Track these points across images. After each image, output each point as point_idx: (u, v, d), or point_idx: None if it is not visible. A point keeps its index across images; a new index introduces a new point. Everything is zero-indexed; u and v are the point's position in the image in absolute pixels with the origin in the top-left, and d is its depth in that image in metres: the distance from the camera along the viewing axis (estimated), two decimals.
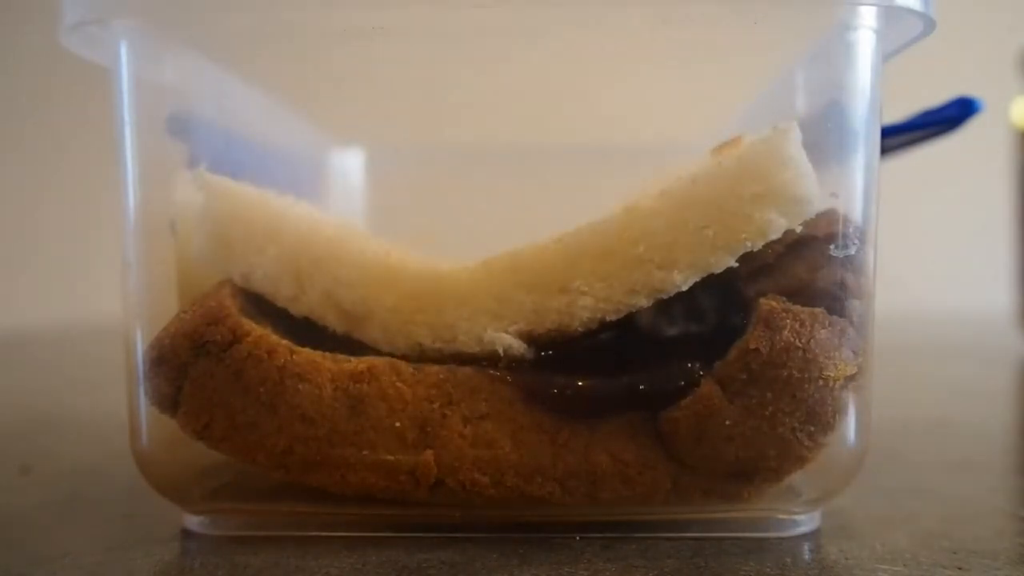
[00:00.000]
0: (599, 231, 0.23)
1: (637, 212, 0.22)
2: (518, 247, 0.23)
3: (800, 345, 0.22)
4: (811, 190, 0.22)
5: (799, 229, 0.22)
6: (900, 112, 0.27)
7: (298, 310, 0.24)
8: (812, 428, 0.22)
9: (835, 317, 0.23)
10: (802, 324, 0.22)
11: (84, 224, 0.89)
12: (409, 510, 0.24)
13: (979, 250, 0.91)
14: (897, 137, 0.28)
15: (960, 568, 0.22)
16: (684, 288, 0.22)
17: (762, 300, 0.22)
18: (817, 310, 0.22)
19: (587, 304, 0.23)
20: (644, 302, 0.22)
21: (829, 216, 0.23)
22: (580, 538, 0.23)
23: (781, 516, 0.24)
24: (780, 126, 0.22)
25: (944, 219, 1.00)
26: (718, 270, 0.22)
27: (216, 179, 0.25)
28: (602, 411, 0.23)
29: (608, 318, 0.23)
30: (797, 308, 0.22)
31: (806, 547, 0.23)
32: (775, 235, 0.22)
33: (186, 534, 0.25)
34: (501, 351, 0.23)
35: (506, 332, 0.23)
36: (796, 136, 0.22)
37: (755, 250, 0.22)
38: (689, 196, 0.22)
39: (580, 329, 0.23)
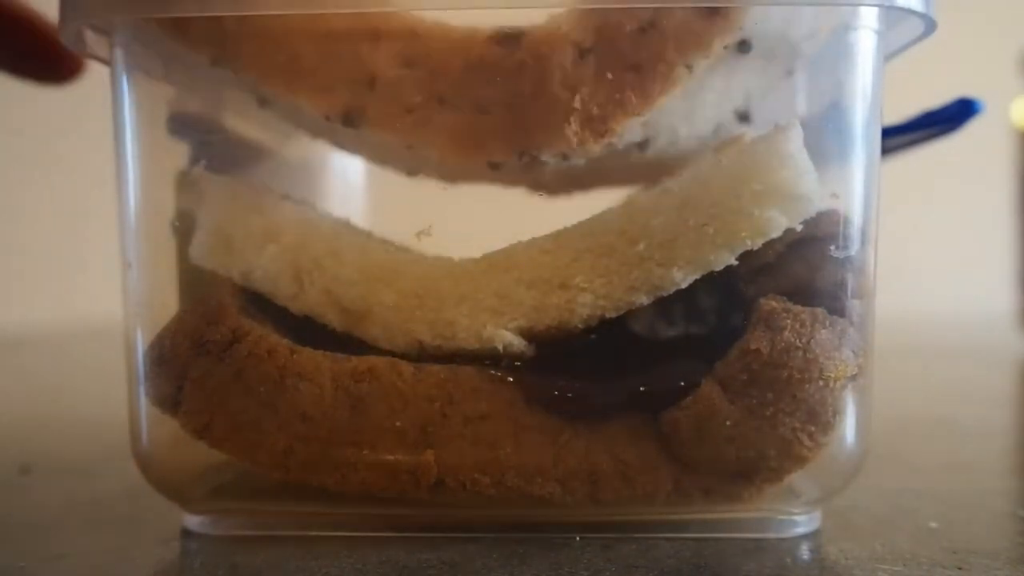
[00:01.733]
0: (599, 228, 0.23)
1: (637, 210, 0.22)
2: (518, 244, 0.23)
3: (800, 345, 0.22)
4: (812, 188, 0.22)
5: (799, 228, 0.22)
6: (900, 113, 0.27)
7: (298, 308, 0.24)
8: (813, 428, 0.22)
9: (835, 317, 0.22)
10: (802, 324, 0.22)
11: (84, 224, 0.89)
12: (410, 510, 0.24)
13: (980, 250, 0.91)
14: (898, 138, 0.28)
15: (960, 568, 0.22)
16: (684, 285, 0.22)
17: (762, 300, 0.22)
18: (818, 310, 0.22)
19: (587, 301, 0.22)
20: (644, 299, 0.22)
21: (830, 216, 0.23)
22: (580, 538, 0.23)
23: (781, 517, 0.24)
24: (781, 124, 0.22)
25: (944, 219, 1.00)
26: (718, 268, 0.22)
27: (216, 178, 0.25)
28: (603, 413, 0.23)
29: (608, 315, 0.23)
30: (797, 308, 0.22)
31: (806, 547, 0.23)
32: (775, 233, 0.22)
33: (186, 534, 0.25)
34: (501, 348, 0.23)
35: (506, 329, 0.23)
36: (797, 134, 0.22)
37: (755, 249, 0.22)
38: (689, 194, 0.22)
39: (580, 326, 0.23)
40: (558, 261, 0.23)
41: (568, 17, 0.22)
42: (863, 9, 0.23)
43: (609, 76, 0.22)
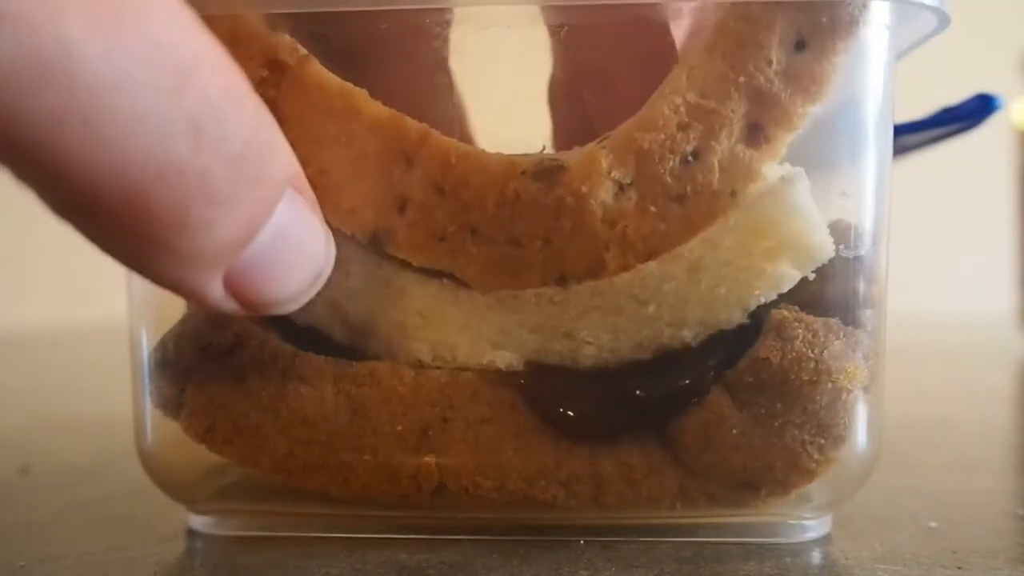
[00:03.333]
0: (608, 290, 0.22)
1: (648, 276, 0.22)
2: (527, 291, 0.22)
3: (813, 356, 0.21)
4: (823, 238, 0.22)
5: (811, 276, 0.22)
6: (899, 114, 0.27)
7: (303, 319, 0.24)
8: (823, 441, 0.22)
9: (849, 328, 0.22)
10: (815, 335, 0.22)
11: None
12: (411, 513, 0.24)
13: (980, 251, 0.91)
14: (915, 135, 0.28)
15: (960, 568, 0.22)
16: (694, 345, 0.22)
17: (774, 310, 0.22)
18: (831, 320, 0.22)
19: (590, 353, 0.22)
20: (650, 356, 0.22)
21: (839, 224, 0.22)
22: (584, 542, 0.23)
23: (791, 521, 0.24)
24: (786, 175, 0.22)
25: (945, 220, 1.00)
26: (730, 327, 0.22)
27: None
28: (611, 434, 0.22)
29: (611, 367, 0.22)
30: (810, 318, 0.22)
31: (806, 547, 0.23)
32: (788, 287, 0.22)
33: (187, 534, 0.25)
34: (503, 367, 0.23)
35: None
36: (804, 185, 0.21)
37: (768, 302, 0.22)
38: (700, 256, 0.22)
39: (582, 371, 0.23)
40: (565, 313, 0.22)
41: (607, 151, 0.21)
42: (875, 4, 0.22)
43: (652, 209, 0.21)
